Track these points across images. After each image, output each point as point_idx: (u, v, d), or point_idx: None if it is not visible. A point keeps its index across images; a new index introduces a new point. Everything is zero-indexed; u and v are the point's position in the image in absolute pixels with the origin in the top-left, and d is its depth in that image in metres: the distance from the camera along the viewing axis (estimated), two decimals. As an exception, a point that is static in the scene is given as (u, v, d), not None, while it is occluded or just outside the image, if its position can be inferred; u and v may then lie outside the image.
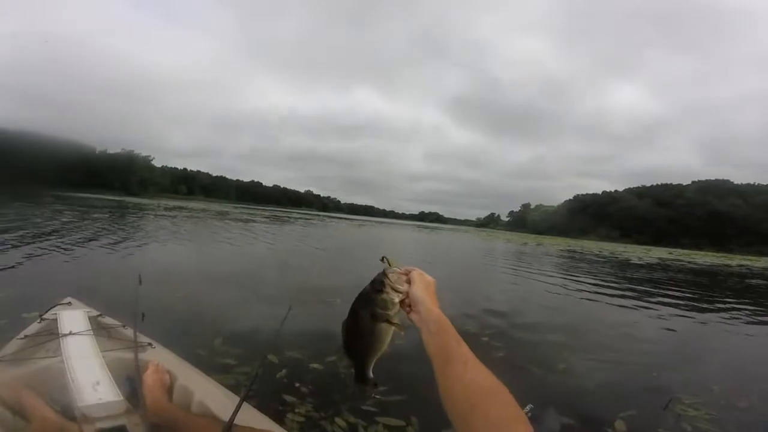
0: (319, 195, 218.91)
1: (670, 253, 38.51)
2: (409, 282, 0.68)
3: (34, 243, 7.05)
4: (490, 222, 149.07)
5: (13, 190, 28.91)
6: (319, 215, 72.53)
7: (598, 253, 25.14)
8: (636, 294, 7.77)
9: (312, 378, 2.45)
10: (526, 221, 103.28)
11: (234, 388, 1.50)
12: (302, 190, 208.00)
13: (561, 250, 25.21)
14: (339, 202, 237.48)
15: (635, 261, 20.14)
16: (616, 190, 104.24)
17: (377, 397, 2.17)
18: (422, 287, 0.67)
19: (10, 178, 37.94)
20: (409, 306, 0.67)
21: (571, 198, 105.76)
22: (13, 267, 5.05)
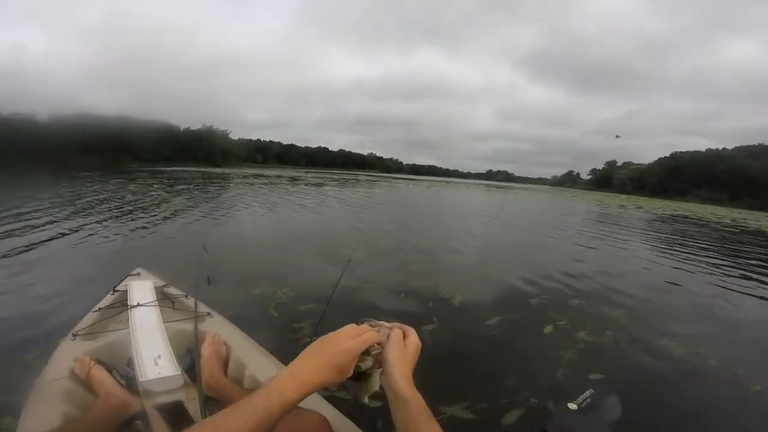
0: (381, 157, 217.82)
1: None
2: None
3: (120, 214, 7.44)
4: (567, 180, 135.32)
5: (112, 167, 32.00)
6: (383, 176, 72.99)
7: (717, 221, 21.08)
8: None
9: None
10: (612, 180, 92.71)
11: (288, 362, 0.98)
12: (365, 153, 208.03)
13: (669, 215, 21.53)
14: (401, 163, 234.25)
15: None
16: (724, 148, 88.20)
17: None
18: (396, 350, 0.63)
19: (110, 157, 42.38)
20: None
21: (667, 155, 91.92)
22: (98, 238, 5.24)
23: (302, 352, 0.59)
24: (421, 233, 7.83)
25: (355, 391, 0.64)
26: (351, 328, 0.62)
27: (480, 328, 2.93)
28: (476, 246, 6.86)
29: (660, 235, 11.31)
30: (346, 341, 0.59)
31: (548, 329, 3.02)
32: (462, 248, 6.35)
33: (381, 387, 0.63)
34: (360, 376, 0.63)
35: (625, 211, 21.49)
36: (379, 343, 0.63)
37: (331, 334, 0.61)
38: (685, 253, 7.79)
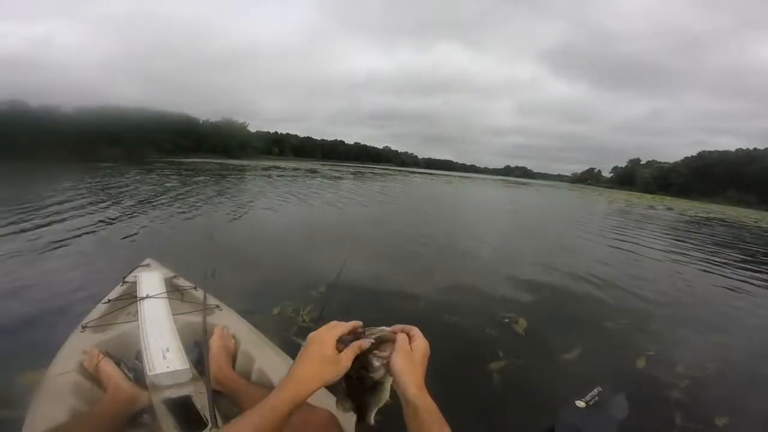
0: (396, 151, 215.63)
1: None
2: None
3: (136, 203, 7.48)
4: (588, 177, 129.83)
5: (133, 158, 32.23)
6: (400, 170, 72.34)
7: (755, 225, 19.78)
8: None
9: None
10: (635, 178, 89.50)
11: (295, 355, 1.09)
12: (380, 146, 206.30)
13: (704, 217, 20.32)
14: (416, 157, 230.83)
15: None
16: (755, 148, 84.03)
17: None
18: (403, 357, 0.60)
19: (132, 148, 42.83)
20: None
21: (694, 155, 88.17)
22: (112, 227, 5.30)
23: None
24: (457, 237, 7.30)
25: (365, 401, 0.62)
26: (331, 324, 0.64)
27: (561, 366, 2.42)
28: (521, 253, 6.30)
29: (707, 238, 10.50)
30: (319, 333, 0.62)
31: (641, 363, 2.52)
32: (507, 257, 5.83)
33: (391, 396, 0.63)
34: (373, 386, 0.62)
35: (658, 212, 20.48)
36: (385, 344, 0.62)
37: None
38: (749, 261, 7.10)
